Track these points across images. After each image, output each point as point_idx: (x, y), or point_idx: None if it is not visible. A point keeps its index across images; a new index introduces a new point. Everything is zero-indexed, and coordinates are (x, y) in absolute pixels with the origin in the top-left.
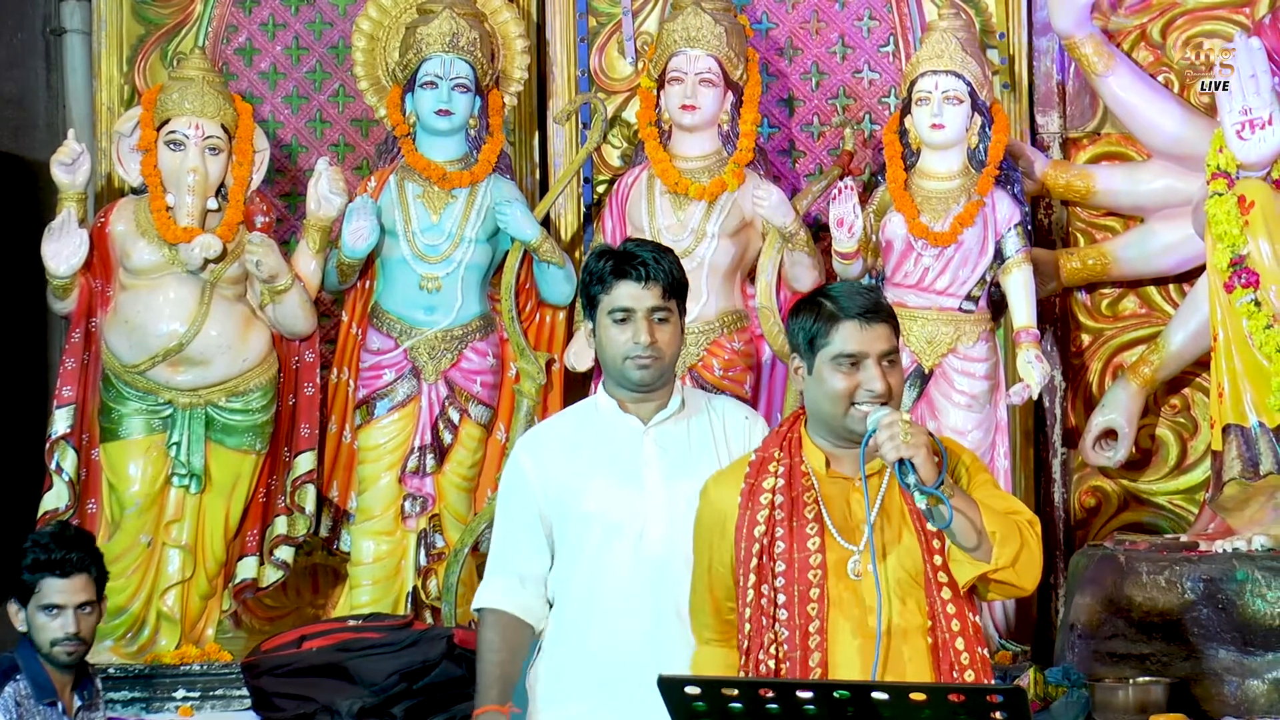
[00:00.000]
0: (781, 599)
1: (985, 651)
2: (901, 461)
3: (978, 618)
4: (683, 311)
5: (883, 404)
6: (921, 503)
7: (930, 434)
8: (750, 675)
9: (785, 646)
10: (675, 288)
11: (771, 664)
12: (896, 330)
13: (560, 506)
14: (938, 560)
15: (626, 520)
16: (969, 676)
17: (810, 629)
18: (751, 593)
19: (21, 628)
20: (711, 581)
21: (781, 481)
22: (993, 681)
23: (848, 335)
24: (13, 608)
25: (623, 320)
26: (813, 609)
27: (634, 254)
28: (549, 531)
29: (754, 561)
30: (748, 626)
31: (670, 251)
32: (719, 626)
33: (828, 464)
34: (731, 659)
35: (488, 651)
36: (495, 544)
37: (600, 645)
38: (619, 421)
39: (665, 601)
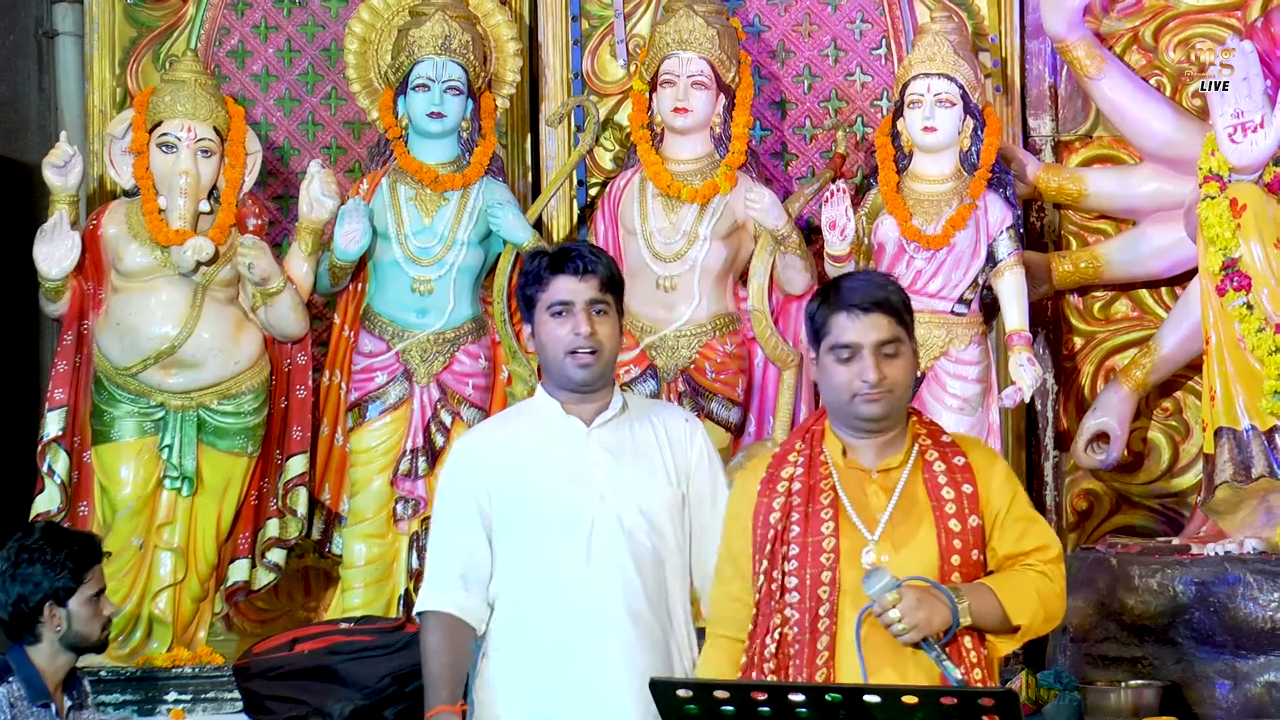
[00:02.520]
0: (793, 582)
1: (988, 651)
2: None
3: None
4: (620, 311)
5: (879, 397)
6: (954, 673)
7: (925, 586)
8: (756, 658)
9: (795, 629)
10: (612, 283)
11: (778, 648)
12: (901, 319)
13: (505, 508)
14: (955, 560)
15: (576, 522)
16: (976, 675)
17: (820, 612)
18: (762, 578)
19: (59, 628)
20: (733, 572)
21: (800, 470)
22: (997, 679)
23: (842, 326)
24: (48, 609)
25: (561, 314)
26: (824, 592)
27: (569, 249)
28: (490, 533)
29: (767, 547)
30: (755, 611)
31: (606, 252)
32: (733, 620)
33: (844, 453)
34: (734, 655)
35: (434, 654)
36: (436, 546)
37: (550, 648)
38: (562, 423)
39: (616, 603)
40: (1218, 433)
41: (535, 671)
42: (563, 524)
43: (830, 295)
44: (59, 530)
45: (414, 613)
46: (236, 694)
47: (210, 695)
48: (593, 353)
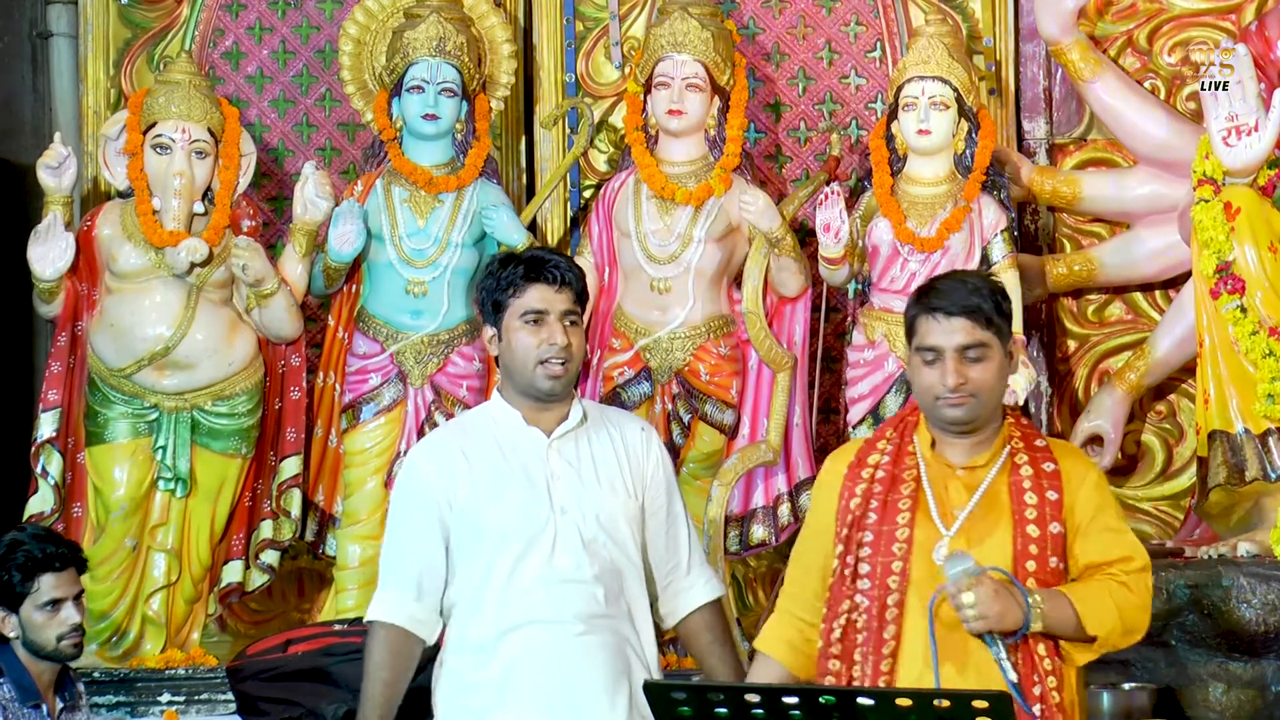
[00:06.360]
0: (865, 569)
1: (1062, 663)
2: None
3: None
4: (583, 322)
5: (960, 402)
6: (1009, 675)
7: (996, 576)
8: (823, 643)
9: (864, 617)
10: (583, 294)
11: (844, 634)
12: (991, 325)
13: (465, 519)
14: (1030, 565)
15: (537, 535)
16: (1051, 683)
17: (889, 602)
18: (837, 562)
19: (12, 633)
20: (809, 550)
21: (887, 458)
22: (1074, 693)
23: (927, 328)
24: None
25: (535, 323)
26: (893, 582)
27: (545, 258)
28: (449, 542)
29: (844, 531)
30: (829, 595)
31: (574, 260)
32: (799, 599)
33: (933, 445)
34: (787, 630)
35: (376, 670)
36: (392, 553)
37: (515, 660)
38: (523, 433)
39: (578, 615)
40: (1211, 436)
41: (500, 682)
42: (524, 537)
43: (922, 295)
44: (23, 535)
45: (366, 620)
46: (230, 696)
47: (204, 697)
48: (564, 363)
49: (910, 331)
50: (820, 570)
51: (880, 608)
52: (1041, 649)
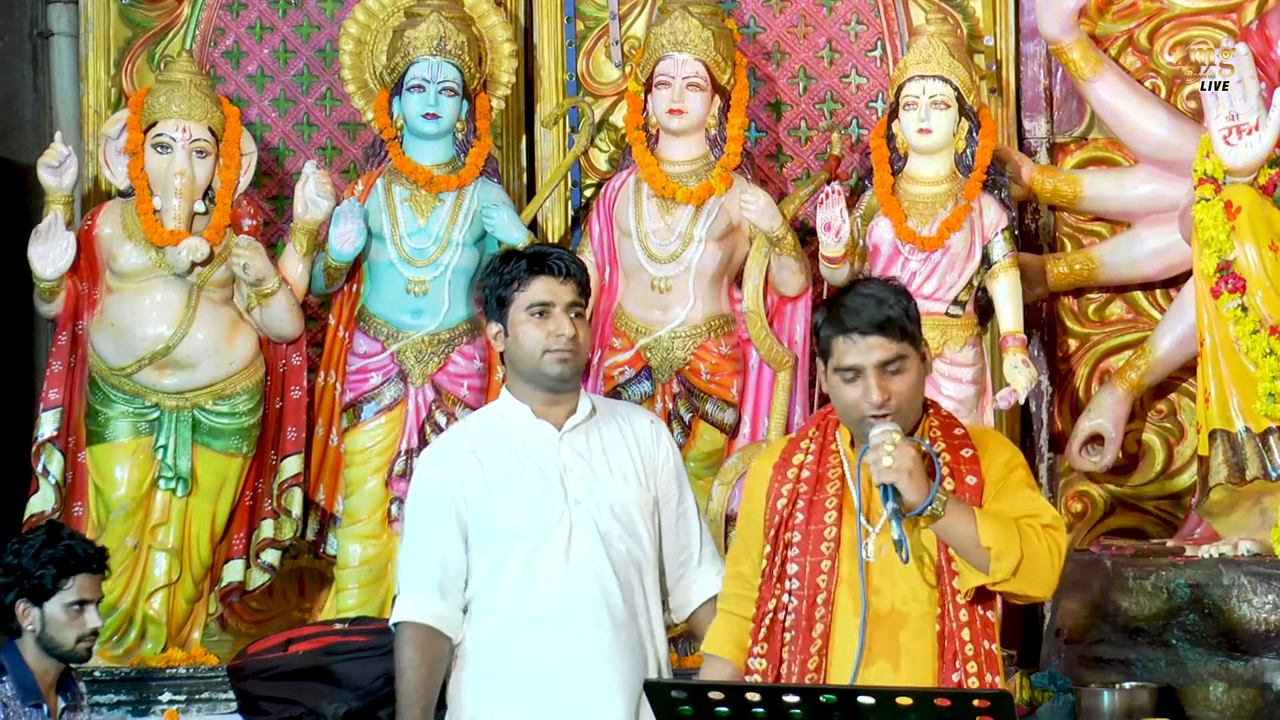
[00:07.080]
0: (794, 569)
1: (994, 647)
2: (885, 486)
3: (992, 613)
4: (587, 315)
5: (886, 416)
6: (895, 533)
7: (921, 449)
8: (751, 642)
9: (792, 616)
10: (587, 287)
11: (768, 633)
12: (906, 335)
13: (480, 516)
14: (952, 549)
15: (552, 529)
16: (972, 669)
17: (818, 600)
18: (765, 562)
19: (30, 627)
20: (743, 552)
21: (811, 457)
22: (999, 676)
23: (843, 349)
24: (21, 606)
25: (541, 315)
26: (822, 581)
27: (548, 251)
28: (467, 539)
29: (771, 531)
30: (758, 594)
31: (577, 256)
32: (739, 598)
33: (853, 442)
34: (735, 630)
35: (408, 668)
36: (412, 554)
37: (529, 655)
38: (533, 428)
39: (595, 607)
40: (1212, 435)
41: (514, 677)
42: (540, 530)
43: (832, 314)
44: (61, 533)
45: (390, 624)
46: (231, 695)
47: (204, 696)
48: (572, 351)
49: (825, 351)
50: (753, 572)
51: (809, 606)
52: (966, 634)
